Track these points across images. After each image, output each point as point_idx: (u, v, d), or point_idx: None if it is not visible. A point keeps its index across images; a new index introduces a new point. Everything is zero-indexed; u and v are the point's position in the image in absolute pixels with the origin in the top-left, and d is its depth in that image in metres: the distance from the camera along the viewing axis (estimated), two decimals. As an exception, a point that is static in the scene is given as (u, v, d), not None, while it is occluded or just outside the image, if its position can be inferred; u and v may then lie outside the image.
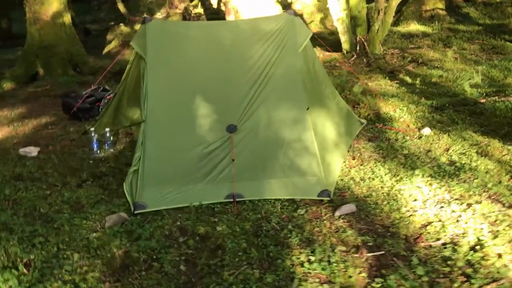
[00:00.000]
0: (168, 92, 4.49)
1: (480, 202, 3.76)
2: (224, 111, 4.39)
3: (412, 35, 11.29)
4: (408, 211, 3.76)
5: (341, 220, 3.67)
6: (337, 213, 3.75)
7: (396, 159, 4.75)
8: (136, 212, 3.78)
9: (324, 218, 3.71)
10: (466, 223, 3.49)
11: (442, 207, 3.75)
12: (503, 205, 3.73)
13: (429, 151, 4.97)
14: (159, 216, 3.74)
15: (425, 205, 3.82)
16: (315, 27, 13.25)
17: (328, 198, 3.96)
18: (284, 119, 4.42)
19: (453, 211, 3.67)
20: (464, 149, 4.89)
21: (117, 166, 4.81)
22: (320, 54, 9.63)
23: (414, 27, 12.40)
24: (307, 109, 4.46)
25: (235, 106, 4.43)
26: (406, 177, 4.33)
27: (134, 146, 5.10)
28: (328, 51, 9.38)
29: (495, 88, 6.77)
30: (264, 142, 4.27)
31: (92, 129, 5.31)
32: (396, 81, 7.47)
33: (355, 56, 9.19)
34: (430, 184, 4.18)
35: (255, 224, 3.59)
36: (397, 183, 4.24)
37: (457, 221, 3.53)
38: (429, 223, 3.54)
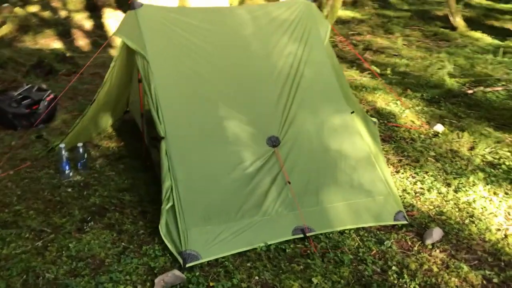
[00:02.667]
0: (183, 98, 3.52)
1: None
2: (257, 119, 3.56)
3: (345, 22, 11.03)
4: (499, 229, 3.29)
5: (437, 250, 3.08)
6: (429, 242, 3.16)
7: (431, 163, 4.30)
8: (187, 265, 2.81)
9: (415, 249, 3.09)
10: None
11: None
12: None
13: (456, 151, 4.58)
14: (220, 268, 2.83)
15: (510, 221, 3.38)
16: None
17: (406, 222, 3.35)
18: (329, 126, 3.71)
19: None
20: (492, 148, 4.58)
21: (112, 195, 3.72)
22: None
23: (341, 13, 12.17)
24: (352, 113, 3.78)
25: (269, 112, 3.61)
26: (464, 186, 3.88)
27: (112, 163, 4.18)
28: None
29: (471, 77, 6.65)
30: (313, 156, 3.52)
31: (62, 145, 4.07)
32: (367, 72, 7.04)
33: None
34: (495, 193, 3.78)
35: (351, 268, 2.85)
36: (457, 193, 3.77)
37: None
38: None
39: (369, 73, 7.02)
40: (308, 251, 2.97)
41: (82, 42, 9.15)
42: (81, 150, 4.17)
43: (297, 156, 3.45)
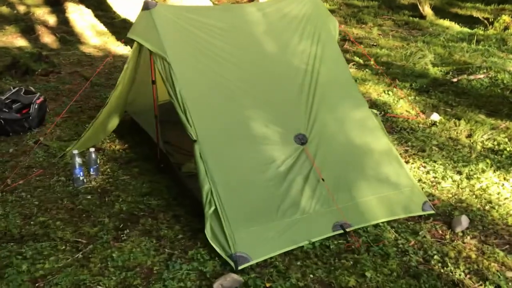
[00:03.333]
0: (209, 99, 3.52)
1: None
2: (282, 117, 3.60)
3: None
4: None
5: (468, 237, 3.24)
6: (458, 229, 3.31)
7: (436, 152, 4.48)
8: (239, 268, 2.83)
9: (448, 237, 3.24)
10: None
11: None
12: None
13: (456, 139, 4.79)
14: (271, 269, 2.87)
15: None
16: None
17: (433, 212, 3.49)
18: (350, 122, 3.80)
19: None
20: (489, 134, 4.80)
21: (137, 200, 3.66)
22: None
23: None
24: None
25: (292, 110, 3.67)
26: (474, 174, 4.07)
27: (123, 167, 4.13)
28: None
29: (452, 66, 6.91)
30: (340, 152, 3.60)
31: (76, 151, 3.95)
32: (352, 63, 7.18)
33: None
34: (505, 179, 3.99)
35: (397, 260, 2.95)
36: (470, 181, 3.95)
37: None
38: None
39: (354, 64, 7.15)
40: (352, 246, 3.04)
41: (48, 39, 8.78)
42: (93, 155, 4.07)
43: (325, 153, 3.50)
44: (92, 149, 4.07)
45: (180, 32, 3.69)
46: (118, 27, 9.07)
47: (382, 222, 3.31)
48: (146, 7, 3.66)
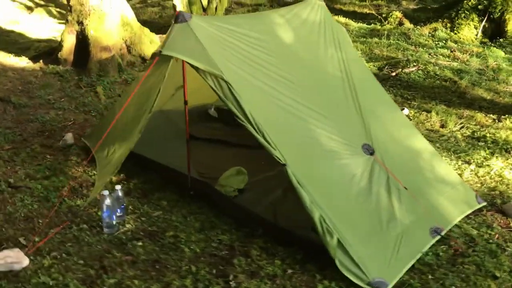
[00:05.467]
0: (274, 117, 3.26)
1: None
2: (342, 128, 3.50)
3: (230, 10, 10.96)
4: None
5: (528, 223, 3.56)
6: (516, 216, 3.60)
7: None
8: (386, 294, 2.70)
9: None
10: None
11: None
12: None
13: (435, 131, 5.18)
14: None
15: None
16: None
17: (485, 203, 3.74)
18: (394, 126, 3.87)
19: None
20: (460, 123, 5.30)
21: (201, 237, 3.23)
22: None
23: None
24: (402, 110, 4.00)
25: (347, 119, 3.59)
26: (482, 162, 4.45)
27: (142, 201, 3.67)
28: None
29: (381, 61, 7.41)
30: (401, 158, 3.63)
31: (106, 192, 3.31)
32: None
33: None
34: (508, 163, 4.43)
35: (505, 255, 3.11)
36: (485, 168, 4.31)
37: None
38: None
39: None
40: (460, 250, 3.10)
41: None
42: (120, 193, 3.46)
43: (390, 160, 3.49)
44: (118, 187, 3.45)
45: (221, 44, 3.33)
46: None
47: (459, 221, 3.42)
48: (181, 19, 3.22)
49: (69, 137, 4.75)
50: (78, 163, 4.27)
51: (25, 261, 2.89)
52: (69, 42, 6.66)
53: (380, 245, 2.94)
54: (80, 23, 6.51)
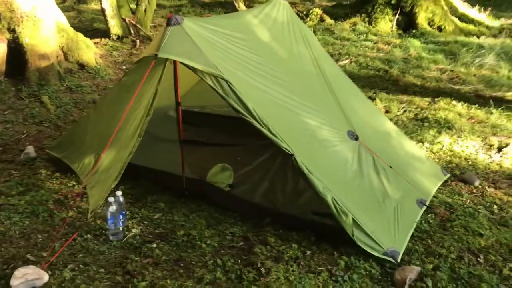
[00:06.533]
0: (272, 112, 3.45)
1: None
2: (328, 118, 3.75)
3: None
4: (493, 161, 4.51)
5: (486, 187, 4.09)
6: (477, 183, 4.12)
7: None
8: (399, 260, 3.02)
9: (475, 191, 4.02)
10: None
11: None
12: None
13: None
14: (415, 253, 3.13)
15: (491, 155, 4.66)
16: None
17: (449, 175, 4.23)
18: (367, 112, 4.23)
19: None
20: (403, 108, 5.86)
21: (213, 232, 3.33)
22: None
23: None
24: (370, 96, 4.39)
25: (330, 110, 3.88)
26: (433, 139, 4.98)
27: (137, 205, 3.70)
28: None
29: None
30: (379, 140, 3.99)
31: (112, 198, 3.29)
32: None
33: (138, 42, 8.26)
34: (453, 138, 5.00)
35: (481, 217, 3.57)
36: (434, 145, 4.84)
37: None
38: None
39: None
40: (445, 216, 3.51)
41: None
42: (121, 198, 3.44)
43: (371, 143, 3.82)
44: (119, 193, 3.42)
45: (213, 45, 3.45)
46: None
47: (435, 192, 3.84)
48: (175, 22, 3.27)
49: (30, 150, 4.54)
50: (49, 175, 4.10)
51: (45, 277, 2.79)
52: (0, 51, 6.24)
53: (383, 220, 3.24)
54: (11, 30, 6.12)
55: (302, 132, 3.45)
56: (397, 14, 9.22)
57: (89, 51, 6.97)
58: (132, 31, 8.36)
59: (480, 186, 4.03)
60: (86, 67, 6.74)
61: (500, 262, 3.03)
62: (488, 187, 4.03)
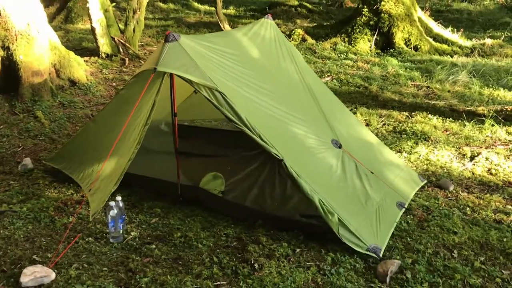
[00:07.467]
0: (262, 122, 3.72)
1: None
2: (313, 128, 4.04)
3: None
4: (466, 168, 4.85)
5: (460, 191, 4.40)
6: (451, 188, 4.44)
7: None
8: (381, 255, 3.29)
9: (450, 195, 4.34)
10: None
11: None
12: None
13: (364, 128, 5.99)
14: (396, 250, 3.40)
15: (464, 163, 5.01)
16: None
17: (426, 181, 4.54)
18: (349, 123, 4.52)
19: (486, 159, 5.00)
20: (382, 121, 6.20)
21: (208, 234, 3.56)
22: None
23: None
24: (351, 110, 4.70)
25: (315, 121, 4.16)
26: (410, 150, 5.31)
27: (134, 211, 3.92)
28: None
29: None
30: (360, 148, 4.28)
31: (113, 203, 3.51)
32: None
33: (127, 60, 8.51)
34: (429, 149, 5.35)
35: (455, 217, 3.87)
36: (412, 155, 5.18)
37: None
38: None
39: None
40: (422, 217, 3.80)
41: None
42: (121, 203, 3.65)
43: (354, 151, 4.11)
44: (119, 197, 3.63)
45: (208, 59, 3.73)
46: None
47: (413, 196, 4.14)
48: (172, 38, 3.56)
49: (28, 161, 4.72)
50: (47, 185, 4.29)
51: (52, 275, 2.98)
52: (-7, 69, 6.42)
53: (366, 220, 3.51)
54: (6, 48, 6.32)
55: (290, 139, 3.72)
56: (376, 35, 9.66)
57: (80, 68, 7.19)
58: (121, 50, 8.61)
59: (454, 191, 4.34)
60: (77, 84, 6.95)
61: (472, 256, 3.31)
62: (462, 191, 4.34)
